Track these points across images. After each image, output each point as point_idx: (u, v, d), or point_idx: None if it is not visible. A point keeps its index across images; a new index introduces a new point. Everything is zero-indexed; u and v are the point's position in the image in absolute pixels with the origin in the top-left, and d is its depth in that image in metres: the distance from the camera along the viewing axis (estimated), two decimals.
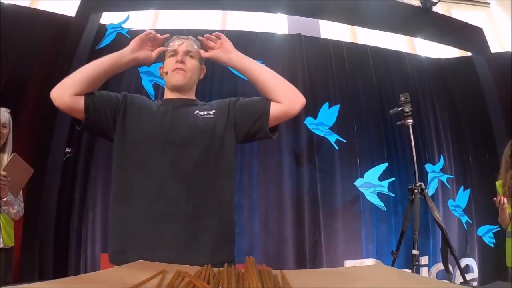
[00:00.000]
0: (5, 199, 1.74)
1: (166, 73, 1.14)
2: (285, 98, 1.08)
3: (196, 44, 1.17)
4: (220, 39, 1.13)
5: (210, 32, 1.18)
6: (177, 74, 1.11)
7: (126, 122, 1.05)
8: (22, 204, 1.90)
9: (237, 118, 1.10)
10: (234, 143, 1.10)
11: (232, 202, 1.10)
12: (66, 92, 1.00)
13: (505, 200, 2.16)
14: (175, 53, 1.13)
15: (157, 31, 1.14)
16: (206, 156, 1.03)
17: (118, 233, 1.01)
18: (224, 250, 1.02)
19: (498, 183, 2.30)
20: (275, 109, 1.08)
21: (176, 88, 1.13)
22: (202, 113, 1.10)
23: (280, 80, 1.12)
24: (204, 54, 1.15)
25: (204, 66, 1.22)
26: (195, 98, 1.19)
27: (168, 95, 1.15)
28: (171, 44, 1.15)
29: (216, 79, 3.24)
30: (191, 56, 1.14)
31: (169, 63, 1.13)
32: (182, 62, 1.11)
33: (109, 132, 1.06)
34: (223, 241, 1.02)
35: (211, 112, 1.11)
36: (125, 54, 1.07)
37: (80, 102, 1.01)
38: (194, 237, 0.97)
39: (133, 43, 1.08)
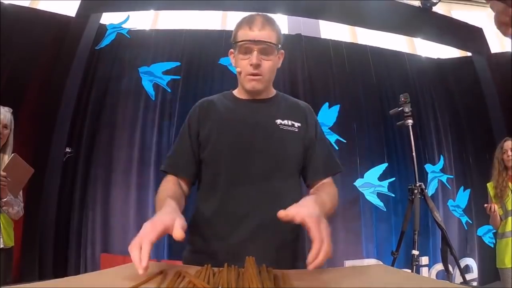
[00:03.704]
0: (5, 199, 1.74)
1: (240, 73, 1.00)
2: None
3: (274, 30, 0.98)
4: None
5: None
6: (253, 80, 0.97)
7: (204, 141, 1.01)
8: (22, 204, 1.90)
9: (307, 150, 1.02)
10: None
11: None
12: None
13: (496, 207, 2.21)
14: (247, 51, 0.96)
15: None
16: (282, 167, 0.98)
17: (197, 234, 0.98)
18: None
19: (490, 185, 2.32)
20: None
21: (251, 93, 1.02)
22: (284, 122, 1.00)
23: (335, 204, 0.97)
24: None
25: (282, 51, 1.04)
26: (272, 92, 1.07)
27: (242, 94, 1.05)
28: (242, 34, 0.97)
29: (216, 79, 3.25)
30: (267, 54, 0.96)
31: (242, 63, 0.98)
32: (257, 66, 0.95)
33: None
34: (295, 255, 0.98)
35: (296, 125, 1.01)
36: None
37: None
38: (274, 253, 0.92)
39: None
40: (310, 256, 0.61)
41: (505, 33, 0.51)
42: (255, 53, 0.94)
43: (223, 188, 0.96)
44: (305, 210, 0.70)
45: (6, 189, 1.73)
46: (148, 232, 0.66)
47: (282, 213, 0.69)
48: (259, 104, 1.02)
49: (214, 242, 0.94)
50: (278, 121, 0.99)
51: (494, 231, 3.31)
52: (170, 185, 0.97)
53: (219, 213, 0.95)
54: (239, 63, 0.99)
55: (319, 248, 0.62)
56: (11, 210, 1.79)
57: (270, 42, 0.96)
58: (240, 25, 0.99)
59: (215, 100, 1.07)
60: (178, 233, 0.66)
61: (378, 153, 3.53)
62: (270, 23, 0.98)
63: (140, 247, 0.63)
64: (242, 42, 0.96)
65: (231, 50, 1.04)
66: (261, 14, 1.00)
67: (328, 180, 1.03)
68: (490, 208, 2.21)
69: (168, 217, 0.72)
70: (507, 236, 2.18)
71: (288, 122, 1.00)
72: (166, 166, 1.03)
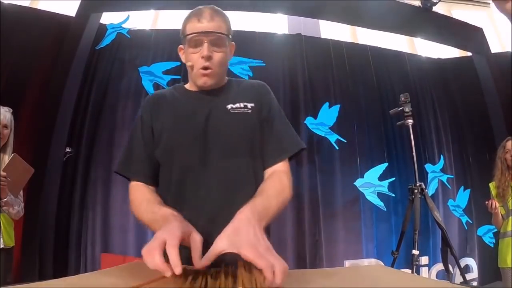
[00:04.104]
0: (5, 199, 1.74)
1: (191, 67, 0.96)
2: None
3: (224, 21, 0.96)
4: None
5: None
6: (204, 76, 0.94)
7: (157, 137, 0.96)
8: (22, 204, 1.90)
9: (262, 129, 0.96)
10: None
11: None
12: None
13: (497, 204, 2.21)
14: (197, 44, 0.93)
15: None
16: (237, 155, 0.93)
17: None
18: None
19: (492, 185, 2.32)
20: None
21: (203, 88, 0.98)
22: (236, 106, 0.95)
23: (285, 200, 0.91)
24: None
25: (233, 43, 1.01)
26: (223, 82, 1.02)
27: (193, 87, 1.01)
28: (191, 27, 0.93)
29: None
30: (218, 45, 0.93)
31: (193, 57, 0.94)
32: (208, 58, 0.92)
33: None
34: None
35: (249, 106, 0.96)
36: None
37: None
38: None
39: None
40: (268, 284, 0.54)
41: (499, 8, 0.58)
42: (205, 45, 0.91)
43: (178, 181, 0.92)
44: (237, 243, 0.61)
45: (6, 189, 1.72)
46: (171, 237, 0.61)
47: (199, 265, 0.62)
48: (210, 95, 0.98)
49: None
50: (229, 106, 0.95)
51: (494, 230, 3.33)
52: (146, 191, 0.94)
53: (177, 205, 0.88)
54: (190, 57, 0.95)
55: (272, 275, 0.55)
56: (11, 210, 1.79)
57: (220, 33, 0.93)
58: (188, 18, 0.96)
59: (167, 93, 1.03)
60: (200, 264, 0.62)
61: (378, 153, 3.53)
62: (219, 14, 0.96)
63: (162, 252, 0.58)
64: (192, 35, 0.92)
65: (181, 46, 1.00)
66: (209, 6, 0.96)
67: (279, 168, 0.95)
68: (491, 205, 2.20)
69: (185, 226, 0.68)
70: (508, 235, 2.18)
71: (240, 104, 0.96)
72: (121, 167, 0.98)
